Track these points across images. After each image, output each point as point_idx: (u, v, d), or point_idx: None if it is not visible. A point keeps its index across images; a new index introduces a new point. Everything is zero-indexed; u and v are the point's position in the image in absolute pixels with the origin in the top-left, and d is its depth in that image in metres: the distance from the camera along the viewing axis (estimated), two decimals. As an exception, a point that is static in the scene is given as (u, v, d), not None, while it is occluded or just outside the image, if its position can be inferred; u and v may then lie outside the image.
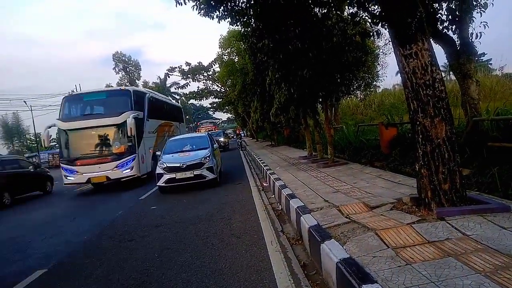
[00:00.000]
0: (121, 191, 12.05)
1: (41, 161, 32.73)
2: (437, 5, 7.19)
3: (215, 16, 8.71)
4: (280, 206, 6.96)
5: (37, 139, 47.46)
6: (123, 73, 53.78)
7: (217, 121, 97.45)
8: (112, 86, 52.60)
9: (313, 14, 8.85)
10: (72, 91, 37.98)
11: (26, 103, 38.87)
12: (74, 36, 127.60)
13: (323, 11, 8.74)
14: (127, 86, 52.94)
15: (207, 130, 42.39)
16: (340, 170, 8.94)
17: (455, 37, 7.49)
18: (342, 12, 8.74)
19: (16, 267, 5.23)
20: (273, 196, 8.12)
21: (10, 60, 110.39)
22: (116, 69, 53.45)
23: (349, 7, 7.95)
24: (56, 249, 5.93)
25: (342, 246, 3.48)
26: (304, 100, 10.76)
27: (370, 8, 6.33)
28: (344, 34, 9.01)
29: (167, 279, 4.05)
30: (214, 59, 37.06)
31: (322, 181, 7.66)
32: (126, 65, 53.88)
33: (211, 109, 57.84)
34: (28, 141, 49.25)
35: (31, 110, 38.69)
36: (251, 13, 8.86)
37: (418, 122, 4.31)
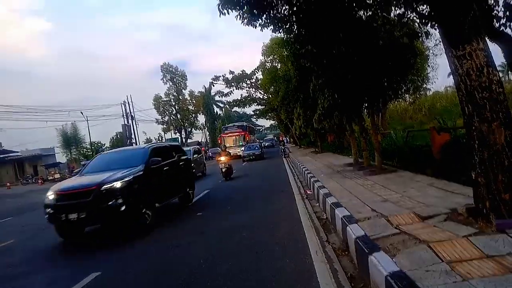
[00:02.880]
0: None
1: None
2: (492, 1, 6.73)
3: (258, 25, 8.81)
4: (325, 215, 6.81)
5: (92, 147, 50.68)
6: (171, 83, 55.87)
7: (260, 127, 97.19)
8: (161, 97, 55.11)
9: (357, 17, 8.66)
10: (124, 101, 40.29)
11: (82, 113, 41.34)
12: (126, 50, 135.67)
13: (368, 14, 8.52)
14: (175, 95, 55.42)
15: (234, 138, 36.06)
16: (388, 178, 8.58)
17: (514, 34, 6.95)
18: (388, 14, 8.44)
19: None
20: (318, 204, 7.97)
21: (70, 74, 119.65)
22: (164, 79, 55.72)
23: (396, 8, 7.69)
24: (110, 251, 6.21)
25: (392, 259, 3.31)
26: (348, 105, 10.52)
27: (418, 8, 6.07)
28: (391, 36, 8.71)
29: (212, 287, 4.09)
30: (257, 66, 37.58)
31: (369, 190, 7.40)
32: (173, 75, 55.96)
33: (254, 116, 58.33)
34: (84, 150, 52.62)
35: (87, 120, 41.34)
36: (294, 19, 8.86)
37: (473, 127, 4.03)
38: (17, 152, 49.39)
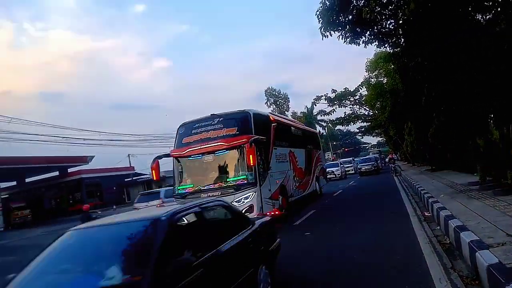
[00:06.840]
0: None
1: None
2: None
3: (361, 42, 8.78)
4: (447, 239, 6.20)
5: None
6: (274, 106, 57.95)
7: (366, 144, 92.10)
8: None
9: (474, 22, 7.91)
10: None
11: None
12: (233, 77, 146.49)
13: (488, 17, 7.72)
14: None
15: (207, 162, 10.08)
16: (526, 198, 7.40)
17: None
18: (513, 15, 7.53)
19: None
20: (438, 227, 7.29)
21: (185, 104, 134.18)
22: (268, 103, 58.05)
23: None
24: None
25: (537, 292, 2.89)
26: (470, 117, 9.48)
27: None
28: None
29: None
30: (361, 83, 36.40)
31: (501, 212, 6.49)
32: (276, 98, 57.99)
33: (359, 134, 56.11)
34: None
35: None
36: (400, 32, 8.56)
37: None
38: (146, 174, 57.07)
